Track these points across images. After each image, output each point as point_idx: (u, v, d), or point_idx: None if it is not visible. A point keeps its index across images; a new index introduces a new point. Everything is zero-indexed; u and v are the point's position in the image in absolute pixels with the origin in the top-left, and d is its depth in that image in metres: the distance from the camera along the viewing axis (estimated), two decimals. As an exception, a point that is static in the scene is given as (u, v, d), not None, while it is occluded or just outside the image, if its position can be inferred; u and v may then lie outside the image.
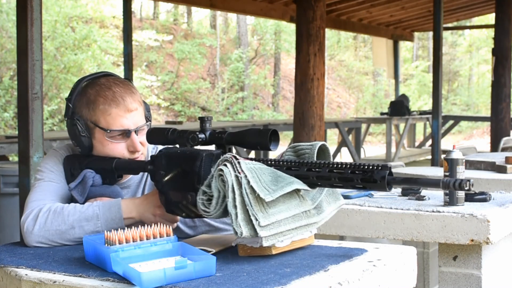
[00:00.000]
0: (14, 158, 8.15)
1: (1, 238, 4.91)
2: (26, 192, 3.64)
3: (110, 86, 1.91)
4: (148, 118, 2.00)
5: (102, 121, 1.89)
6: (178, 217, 1.82)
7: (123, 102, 1.89)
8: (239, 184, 1.49)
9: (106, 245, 1.51)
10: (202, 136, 1.70)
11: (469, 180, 1.37)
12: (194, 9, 22.32)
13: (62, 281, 1.45)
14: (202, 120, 1.72)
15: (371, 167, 1.47)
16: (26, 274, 1.51)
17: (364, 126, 12.58)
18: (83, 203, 1.86)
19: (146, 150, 2.00)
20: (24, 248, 1.76)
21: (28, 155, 3.61)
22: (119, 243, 1.50)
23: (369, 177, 1.46)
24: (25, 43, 3.61)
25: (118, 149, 1.92)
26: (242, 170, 1.50)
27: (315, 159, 1.63)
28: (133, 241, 1.52)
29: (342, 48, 26.20)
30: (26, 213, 1.83)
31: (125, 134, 1.91)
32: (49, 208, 1.81)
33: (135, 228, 1.55)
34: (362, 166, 1.48)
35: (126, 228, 1.58)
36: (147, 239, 1.54)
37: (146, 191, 2.01)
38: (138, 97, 1.95)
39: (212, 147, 1.73)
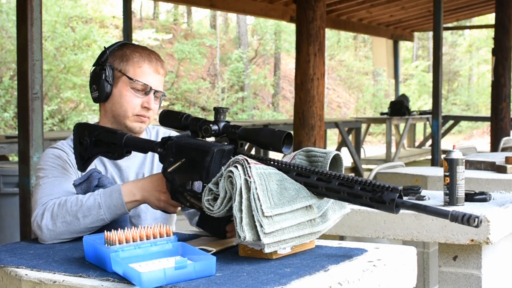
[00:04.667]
0: (14, 158, 8.15)
1: (1, 238, 4.91)
2: (26, 192, 3.64)
3: (148, 49, 2.12)
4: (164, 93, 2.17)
5: (131, 70, 2.04)
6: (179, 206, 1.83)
7: (155, 63, 2.08)
8: (248, 188, 1.48)
9: (106, 245, 1.51)
10: (215, 127, 1.69)
11: (478, 217, 1.36)
12: (194, 9, 22.31)
13: (62, 281, 1.45)
14: (217, 111, 1.70)
15: (381, 187, 1.45)
16: (26, 274, 1.51)
17: (364, 126, 12.57)
18: None
19: (153, 119, 2.13)
20: (24, 248, 1.76)
21: (28, 155, 3.61)
22: (119, 243, 1.50)
23: (378, 198, 1.45)
24: (25, 43, 3.60)
25: (134, 101, 2.05)
26: (252, 175, 1.49)
27: (327, 169, 1.61)
28: (133, 241, 1.52)
29: (342, 48, 26.20)
30: (36, 211, 1.84)
31: (145, 91, 2.05)
32: (54, 203, 1.83)
33: (135, 228, 1.55)
34: (373, 185, 1.46)
35: (126, 228, 1.58)
36: (147, 239, 1.54)
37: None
38: (165, 69, 2.15)
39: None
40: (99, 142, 1.88)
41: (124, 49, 2.08)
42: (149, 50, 2.12)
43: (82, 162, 1.90)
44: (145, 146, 1.84)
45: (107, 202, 1.80)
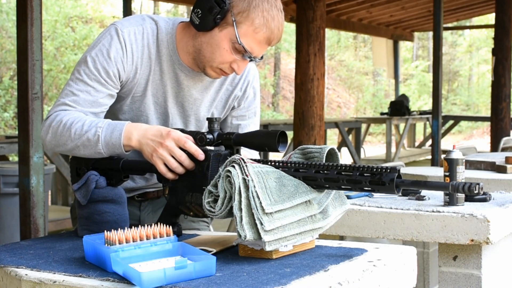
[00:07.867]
0: (14, 158, 8.15)
1: (1, 238, 4.92)
2: (26, 192, 3.64)
3: (275, 9, 1.78)
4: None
5: (244, 29, 1.77)
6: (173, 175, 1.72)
7: (272, 32, 1.78)
8: (246, 187, 1.49)
9: (106, 245, 1.51)
10: (210, 136, 1.70)
11: (478, 184, 1.36)
12: (194, 9, 22.31)
13: (62, 281, 1.45)
14: (210, 121, 1.72)
15: (379, 169, 1.46)
16: (26, 274, 1.51)
17: (364, 126, 12.58)
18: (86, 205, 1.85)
19: None
20: (24, 248, 1.76)
21: (28, 155, 3.61)
22: (119, 243, 1.50)
23: (377, 180, 1.45)
24: (25, 43, 3.60)
25: (226, 58, 1.82)
26: (249, 174, 1.49)
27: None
28: (133, 241, 1.52)
29: (342, 48, 26.20)
30: (46, 117, 1.87)
31: (245, 56, 1.82)
32: (61, 120, 1.82)
33: (135, 228, 1.55)
34: (370, 169, 1.47)
35: (126, 228, 1.58)
36: (147, 239, 1.54)
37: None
38: (279, 39, 1.84)
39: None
40: (96, 171, 1.88)
41: None
42: (276, 10, 1.78)
43: None
44: (143, 167, 1.83)
45: (107, 139, 1.78)
